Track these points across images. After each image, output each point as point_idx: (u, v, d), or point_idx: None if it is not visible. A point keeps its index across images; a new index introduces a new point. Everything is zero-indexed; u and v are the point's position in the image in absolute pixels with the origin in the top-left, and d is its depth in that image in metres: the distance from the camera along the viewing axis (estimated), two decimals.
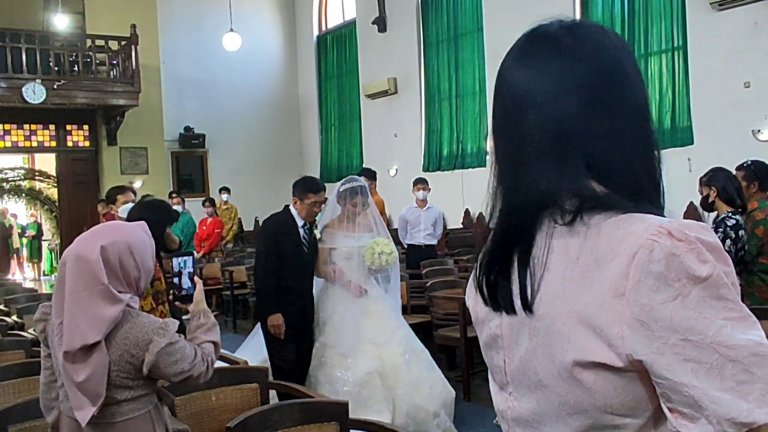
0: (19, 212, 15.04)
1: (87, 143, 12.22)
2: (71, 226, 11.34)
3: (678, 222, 0.71)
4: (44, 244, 14.73)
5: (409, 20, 11.87)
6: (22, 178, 14.27)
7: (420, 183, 7.26)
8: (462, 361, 4.89)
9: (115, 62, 11.64)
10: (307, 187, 3.98)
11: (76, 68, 11.22)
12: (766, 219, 3.84)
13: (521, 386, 0.83)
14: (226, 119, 13.79)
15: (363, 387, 3.77)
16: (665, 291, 0.68)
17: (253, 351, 4.18)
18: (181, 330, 2.02)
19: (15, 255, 14.75)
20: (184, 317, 2.62)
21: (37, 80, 10.50)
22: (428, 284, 5.39)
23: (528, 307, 0.79)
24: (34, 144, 11.91)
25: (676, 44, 8.06)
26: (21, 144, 11.80)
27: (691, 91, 7.85)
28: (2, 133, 11.57)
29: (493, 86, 0.87)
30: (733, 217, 3.70)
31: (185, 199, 10.35)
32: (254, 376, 2.77)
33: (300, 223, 3.97)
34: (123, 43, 11.41)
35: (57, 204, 12.90)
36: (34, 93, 10.44)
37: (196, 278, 2.12)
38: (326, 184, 4.21)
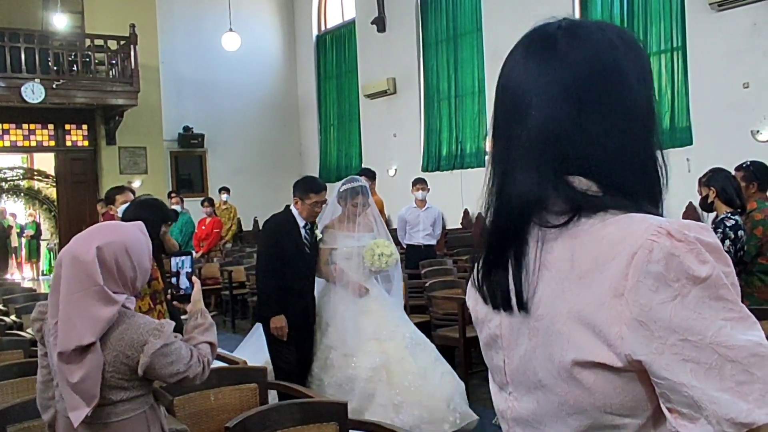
0: (18, 212, 15.03)
1: (86, 143, 12.22)
2: (70, 225, 11.34)
3: (677, 222, 0.71)
4: (43, 244, 14.72)
5: (408, 20, 11.87)
6: (21, 177, 14.26)
7: (419, 183, 7.26)
8: (461, 362, 4.89)
9: (114, 62, 11.64)
10: (308, 187, 3.96)
11: (75, 68, 11.22)
12: (765, 219, 3.85)
13: (521, 386, 0.83)
14: (226, 119, 13.79)
15: (369, 382, 3.76)
16: (664, 291, 0.68)
17: (252, 351, 4.17)
18: (181, 330, 2.02)
19: (13, 254, 14.74)
20: (183, 317, 2.62)
21: (36, 80, 10.50)
22: (427, 284, 5.39)
23: (523, 306, 0.80)
24: (33, 143, 11.90)
25: (675, 44, 8.07)
26: (20, 143, 11.80)
27: (690, 92, 7.85)
28: (1, 132, 11.56)
29: (493, 86, 0.88)
30: (732, 217, 3.70)
31: (184, 199, 10.36)
32: (253, 376, 2.77)
33: (301, 223, 3.95)
34: (122, 42, 11.41)
35: (56, 204, 12.89)
36: (33, 92, 10.44)
37: (194, 278, 2.11)
38: (326, 184, 4.21)
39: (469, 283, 0.92)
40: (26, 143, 11.86)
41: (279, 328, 3.81)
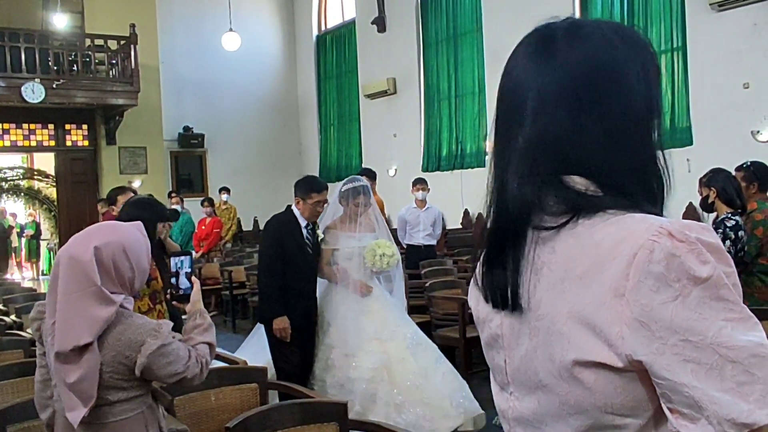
0: (18, 212, 15.03)
1: (86, 143, 12.21)
2: (70, 225, 11.33)
3: (679, 222, 0.71)
4: (42, 244, 14.72)
5: (408, 20, 11.87)
6: (21, 177, 14.25)
7: (419, 183, 7.26)
8: (461, 362, 4.89)
9: (114, 62, 11.64)
10: (309, 187, 3.93)
11: (75, 68, 11.22)
12: (766, 220, 3.85)
13: (522, 386, 0.83)
14: (226, 119, 13.79)
15: (370, 382, 3.75)
16: (665, 291, 0.68)
17: (253, 352, 4.16)
18: (181, 330, 2.02)
19: (13, 254, 14.74)
20: (184, 317, 2.62)
21: (36, 79, 10.49)
22: (427, 284, 5.40)
23: (518, 306, 0.80)
24: (33, 143, 11.90)
25: (675, 45, 8.07)
26: (20, 143, 11.80)
27: (691, 92, 7.86)
28: (1, 132, 11.56)
29: (493, 86, 0.88)
30: (733, 217, 3.70)
31: (184, 199, 10.36)
32: (253, 376, 2.77)
33: (303, 223, 3.93)
34: (122, 42, 11.41)
35: (56, 203, 12.89)
36: (33, 92, 10.44)
37: (193, 278, 2.11)
38: (327, 184, 4.19)
39: (472, 282, 0.92)
40: (26, 143, 11.85)
41: (282, 329, 3.79)
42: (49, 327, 1.74)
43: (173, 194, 10.38)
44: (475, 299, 0.91)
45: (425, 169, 11.33)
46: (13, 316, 4.66)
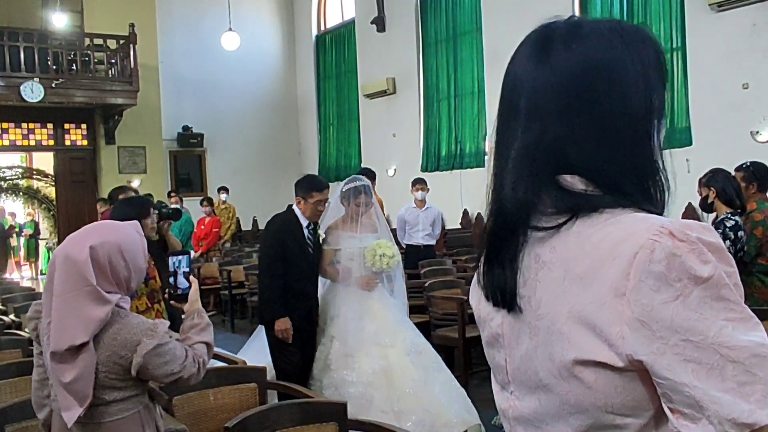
0: (17, 211, 15.02)
1: (85, 142, 12.21)
2: (69, 225, 11.32)
3: (679, 222, 0.71)
4: (41, 243, 14.72)
5: (407, 20, 11.87)
6: (20, 176, 14.25)
7: (418, 183, 7.26)
8: (460, 362, 4.89)
9: (113, 61, 11.64)
10: (310, 186, 3.91)
11: (74, 67, 11.21)
12: (765, 220, 3.85)
13: (522, 385, 0.83)
14: (225, 119, 13.79)
15: (368, 387, 3.72)
16: (666, 291, 0.68)
17: (254, 353, 4.15)
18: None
19: (11, 253, 14.73)
20: (183, 317, 2.61)
21: (35, 79, 10.49)
22: (427, 284, 5.39)
23: (515, 305, 0.81)
24: (32, 143, 11.90)
25: (674, 45, 8.07)
26: (19, 143, 11.79)
27: (690, 92, 7.86)
28: (0, 131, 11.55)
29: (493, 86, 0.88)
30: (732, 218, 3.70)
31: (183, 199, 10.36)
32: (252, 376, 2.76)
33: (304, 223, 3.90)
34: (121, 42, 11.41)
35: (54, 203, 12.88)
36: (32, 91, 10.43)
37: (191, 277, 2.11)
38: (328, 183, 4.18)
39: (473, 281, 0.93)
40: (25, 142, 11.85)
41: (283, 330, 3.76)
42: (46, 326, 1.74)
43: (172, 194, 10.38)
44: (477, 298, 0.91)
45: (424, 169, 11.32)
46: (11, 316, 4.66)
